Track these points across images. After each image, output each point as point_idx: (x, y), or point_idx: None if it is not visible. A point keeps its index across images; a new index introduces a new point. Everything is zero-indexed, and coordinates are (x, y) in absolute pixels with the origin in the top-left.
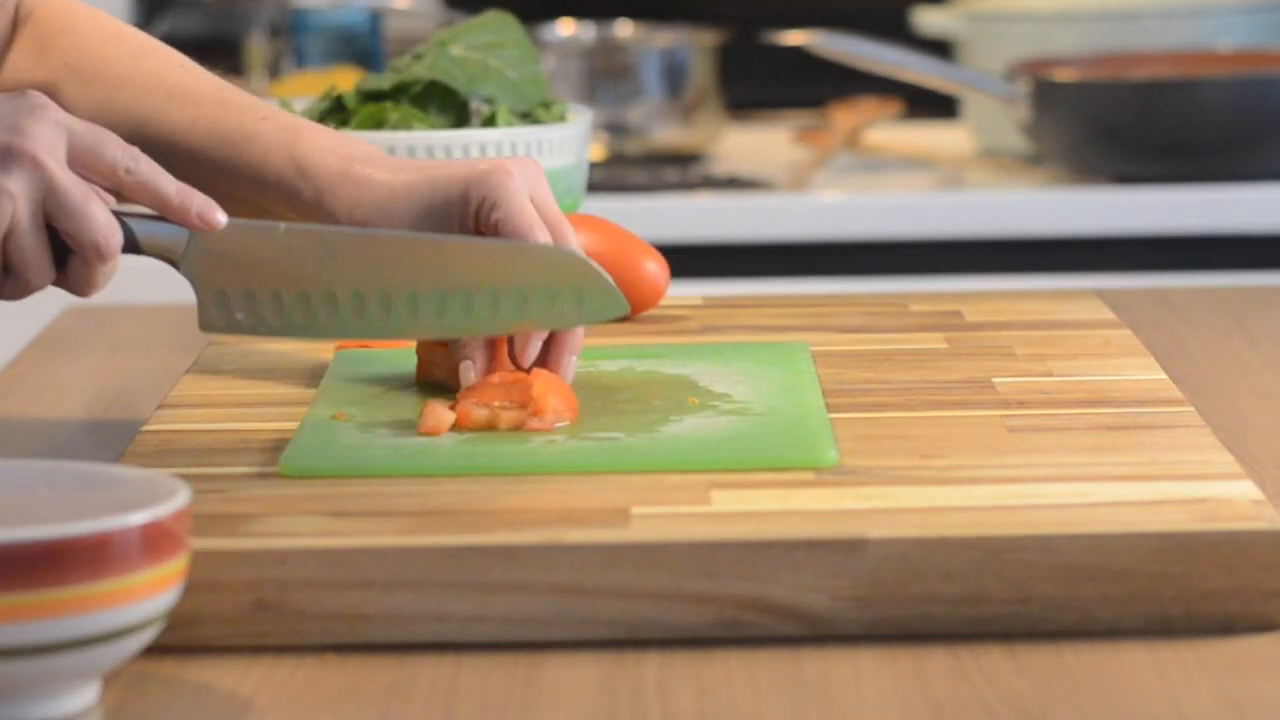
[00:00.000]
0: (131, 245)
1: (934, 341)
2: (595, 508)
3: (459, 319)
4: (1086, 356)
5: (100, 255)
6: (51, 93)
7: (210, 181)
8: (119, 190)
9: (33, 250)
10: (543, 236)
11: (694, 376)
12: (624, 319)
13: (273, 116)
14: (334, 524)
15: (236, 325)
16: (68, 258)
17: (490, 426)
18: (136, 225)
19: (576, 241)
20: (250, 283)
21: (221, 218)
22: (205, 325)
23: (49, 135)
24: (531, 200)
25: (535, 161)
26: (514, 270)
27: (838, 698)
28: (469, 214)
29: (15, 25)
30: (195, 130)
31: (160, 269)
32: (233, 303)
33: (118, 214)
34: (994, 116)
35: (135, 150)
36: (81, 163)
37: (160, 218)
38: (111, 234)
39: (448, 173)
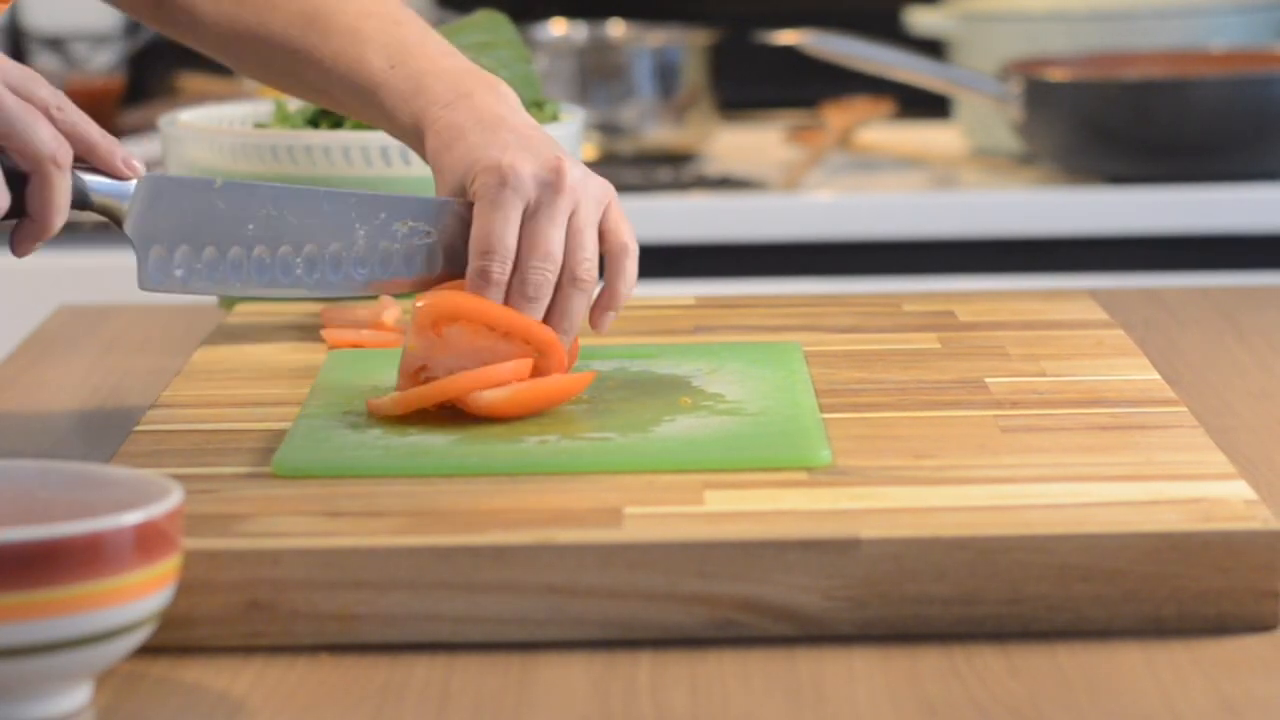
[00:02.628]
0: (81, 199)
1: (927, 341)
2: (588, 508)
3: (383, 270)
4: (1080, 356)
5: (56, 163)
6: None
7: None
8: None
9: None
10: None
11: (687, 376)
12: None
13: (397, 61)
14: (326, 524)
15: (175, 282)
16: (24, 189)
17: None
18: (85, 178)
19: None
20: (187, 238)
21: (142, 167)
22: (145, 284)
23: None
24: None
25: (594, 187)
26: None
27: (831, 698)
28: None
29: None
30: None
31: None
32: (172, 260)
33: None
34: (986, 116)
35: (62, 94)
36: (16, 94)
37: (102, 173)
38: (59, 144)
39: (471, 155)
